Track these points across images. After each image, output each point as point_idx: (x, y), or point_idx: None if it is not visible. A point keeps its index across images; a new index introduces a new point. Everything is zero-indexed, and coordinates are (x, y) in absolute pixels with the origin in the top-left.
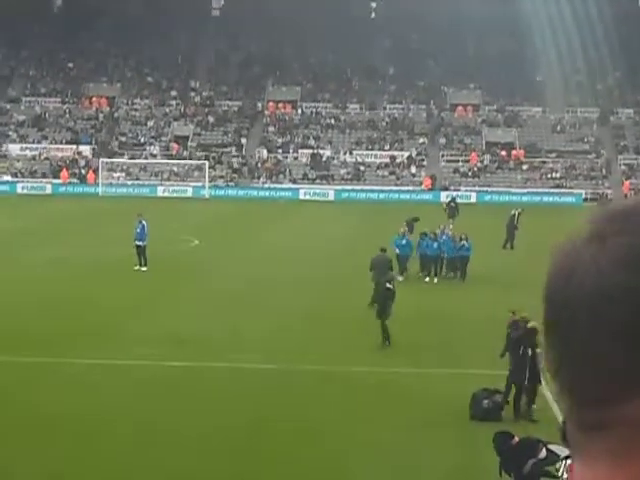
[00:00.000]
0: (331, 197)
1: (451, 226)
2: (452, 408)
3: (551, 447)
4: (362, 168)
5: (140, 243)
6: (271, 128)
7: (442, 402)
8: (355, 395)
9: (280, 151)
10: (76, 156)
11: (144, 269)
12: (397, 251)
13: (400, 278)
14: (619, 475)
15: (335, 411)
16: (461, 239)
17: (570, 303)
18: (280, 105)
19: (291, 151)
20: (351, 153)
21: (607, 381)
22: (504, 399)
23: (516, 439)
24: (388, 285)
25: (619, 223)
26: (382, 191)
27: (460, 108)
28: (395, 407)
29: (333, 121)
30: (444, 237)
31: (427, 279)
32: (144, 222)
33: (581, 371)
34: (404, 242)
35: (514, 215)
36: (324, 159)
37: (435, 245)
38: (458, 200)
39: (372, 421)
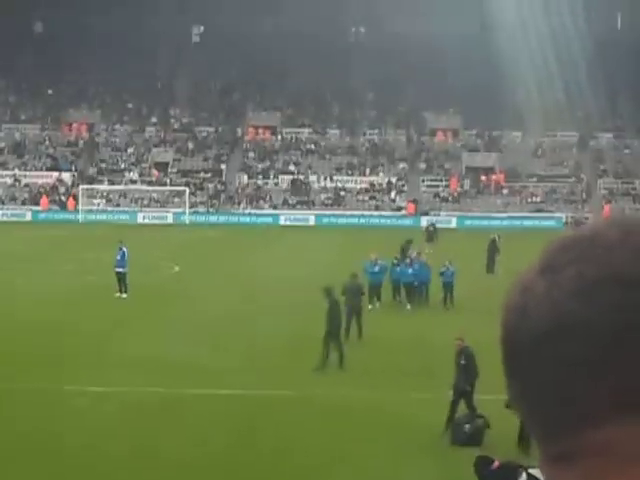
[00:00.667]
0: (312, 222)
1: (427, 251)
2: (433, 433)
3: (532, 471)
4: (342, 193)
5: (120, 270)
6: (251, 154)
7: (423, 427)
8: (336, 420)
9: (260, 177)
10: (57, 183)
11: (124, 296)
12: (368, 278)
13: (369, 307)
14: None
15: (316, 437)
16: (445, 265)
17: (525, 338)
18: (260, 131)
19: (271, 177)
20: (331, 178)
21: (569, 412)
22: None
23: (497, 463)
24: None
25: (570, 252)
26: (362, 216)
27: (440, 133)
28: (376, 432)
29: (313, 146)
30: (416, 264)
31: (409, 306)
32: (124, 249)
33: (543, 404)
34: (376, 269)
35: (494, 240)
36: (304, 185)
37: (410, 271)
38: (438, 225)
39: (353, 447)
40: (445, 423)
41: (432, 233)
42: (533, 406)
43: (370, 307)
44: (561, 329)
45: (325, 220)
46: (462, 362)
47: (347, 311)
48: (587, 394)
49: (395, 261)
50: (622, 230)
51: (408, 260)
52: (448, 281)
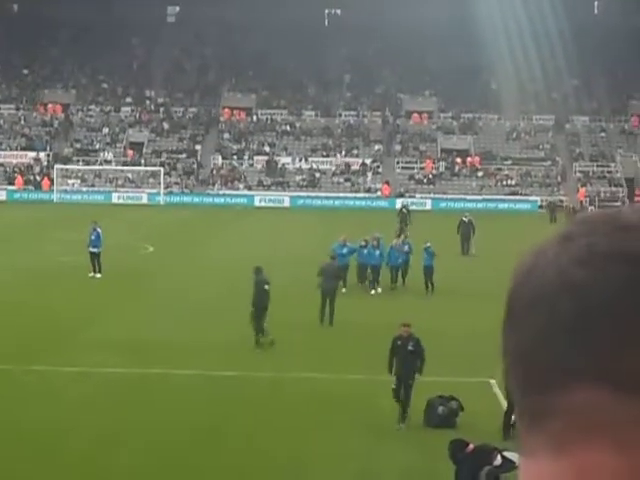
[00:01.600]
0: (287, 204)
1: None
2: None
3: (506, 454)
4: (317, 175)
5: (94, 250)
6: (226, 135)
7: (396, 409)
8: (309, 403)
9: (235, 158)
10: (32, 162)
11: (98, 276)
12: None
13: (344, 290)
14: (561, 464)
15: (289, 419)
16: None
17: (526, 294)
18: (235, 112)
19: (246, 158)
20: (306, 160)
21: (553, 368)
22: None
23: (471, 446)
24: (266, 287)
25: (588, 225)
26: (337, 198)
27: (415, 115)
28: (349, 415)
29: (288, 128)
30: (406, 247)
31: (373, 292)
32: (98, 229)
33: (531, 359)
34: (344, 251)
35: (467, 221)
36: (279, 166)
37: (377, 253)
38: (412, 207)
39: (327, 429)
40: (399, 414)
41: (406, 216)
42: (521, 361)
43: (343, 290)
44: (561, 289)
45: (300, 202)
46: (410, 348)
47: (321, 294)
48: (567, 355)
49: (363, 243)
50: None
51: (375, 242)
52: (428, 264)
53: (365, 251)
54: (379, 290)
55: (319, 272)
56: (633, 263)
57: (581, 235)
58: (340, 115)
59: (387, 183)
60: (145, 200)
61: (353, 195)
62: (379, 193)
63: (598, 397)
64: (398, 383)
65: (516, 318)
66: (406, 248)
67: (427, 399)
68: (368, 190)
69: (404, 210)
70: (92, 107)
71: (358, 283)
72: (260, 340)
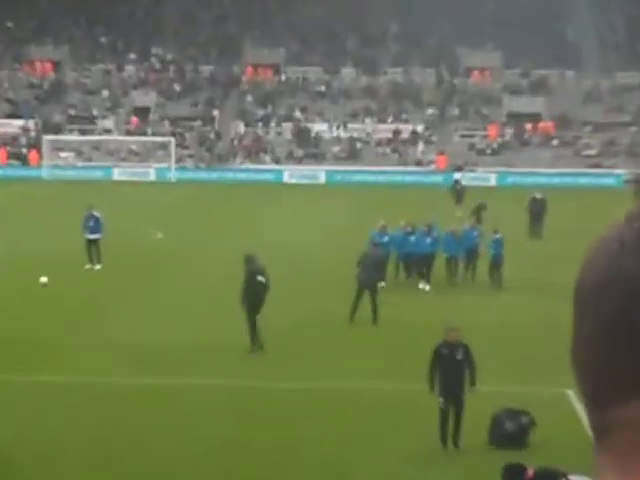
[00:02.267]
0: (322, 180)
1: (458, 214)
2: (468, 431)
3: (573, 478)
4: (359, 145)
5: (93, 237)
6: (249, 98)
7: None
8: (352, 415)
9: (260, 125)
10: (18, 132)
11: (98, 267)
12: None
13: (382, 284)
14: None
15: (317, 436)
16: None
17: (582, 291)
18: (260, 70)
19: (274, 125)
20: (345, 127)
21: (609, 379)
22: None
23: (530, 472)
24: (260, 278)
25: None
26: (383, 172)
27: (476, 72)
28: (401, 429)
29: (323, 88)
30: (475, 233)
31: (421, 286)
32: (96, 214)
33: (587, 369)
34: (385, 239)
35: (538, 199)
36: (313, 134)
37: (428, 241)
38: (474, 182)
39: (365, 448)
40: (439, 436)
41: (460, 192)
42: (577, 370)
43: (383, 284)
44: (608, 283)
45: (338, 177)
46: (459, 357)
47: (358, 286)
48: (621, 365)
49: (409, 229)
50: None
51: (426, 227)
52: (496, 252)
53: (413, 238)
54: (427, 287)
55: (358, 261)
56: None
57: (633, 216)
58: (385, 73)
59: (442, 154)
60: (153, 177)
61: (402, 169)
62: (433, 166)
63: None
64: (446, 402)
65: (575, 320)
66: (475, 234)
67: (492, 413)
68: (419, 163)
69: (457, 186)
70: (88, 65)
71: (406, 277)
72: (256, 343)
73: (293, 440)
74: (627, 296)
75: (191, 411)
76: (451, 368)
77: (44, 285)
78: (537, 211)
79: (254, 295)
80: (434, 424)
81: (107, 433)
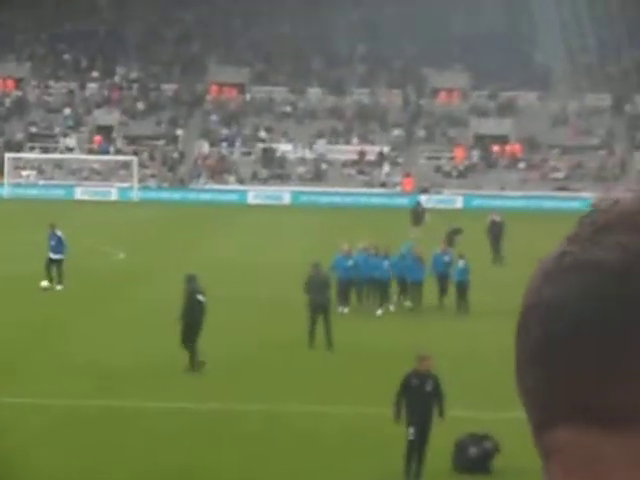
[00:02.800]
0: (286, 201)
1: (412, 236)
2: (431, 456)
3: None
4: (324, 166)
5: (57, 257)
6: (214, 117)
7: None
8: (313, 440)
9: (225, 145)
10: None
11: (59, 287)
12: (338, 274)
13: (340, 309)
14: None
15: (287, 460)
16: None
17: (520, 319)
18: (225, 89)
19: (238, 145)
20: (311, 148)
21: (538, 406)
22: None
23: None
24: (200, 298)
25: (576, 228)
26: (349, 194)
27: (443, 94)
28: (365, 454)
29: (289, 109)
30: (446, 258)
31: (379, 312)
32: (58, 233)
33: (521, 396)
34: (350, 262)
35: (497, 222)
36: (278, 155)
37: (385, 265)
38: (441, 205)
39: (337, 470)
40: (404, 469)
41: (420, 214)
42: (519, 397)
43: (340, 310)
44: (532, 312)
45: (303, 198)
46: (428, 389)
47: (310, 311)
48: (544, 391)
49: (372, 252)
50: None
51: (373, 249)
52: (461, 279)
53: (372, 262)
54: (379, 312)
55: (305, 287)
56: (591, 272)
57: (564, 242)
58: (352, 93)
59: (409, 176)
60: (115, 196)
61: (367, 190)
62: (399, 188)
63: (585, 435)
64: (416, 434)
65: (515, 347)
66: (446, 259)
67: (456, 439)
68: (385, 184)
69: (418, 208)
70: (51, 83)
71: (360, 302)
72: (195, 363)
73: (252, 463)
74: (543, 323)
75: (151, 434)
76: (420, 399)
77: (45, 289)
78: (495, 233)
79: (192, 314)
80: (395, 449)
81: (67, 456)
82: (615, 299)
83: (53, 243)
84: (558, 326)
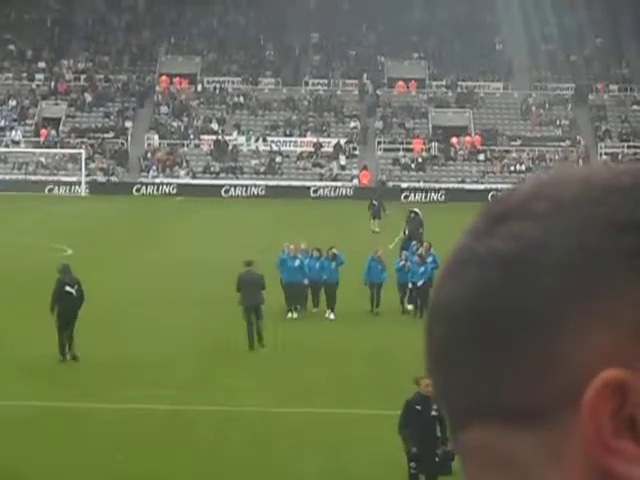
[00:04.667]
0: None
1: (375, 229)
2: (393, 457)
3: None
4: (278, 159)
5: None
6: (164, 108)
7: (381, 450)
8: (269, 441)
9: (175, 137)
10: None
11: None
12: (285, 277)
13: (289, 315)
14: None
15: (247, 462)
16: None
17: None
18: (176, 80)
19: (190, 137)
20: (265, 140)
21: (447, 406)
22: None
23: None
24: (68, 289)
25: (476, 217)
26: (303, 187)
27: (401, 84)
28: (322, 455)
29: (242, 99)
30: (430, 259)
31: (331, 315)
32: None
33: (436, 394)
34: (296, 263)
35: (414, 215)
36: (230, 147)
37: (332, 266)
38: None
39: (290, 475)
40: None
41: (378, 207)
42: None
43: (290, 316)
44: (431, 308)
45: (256, 191)
46: (433, 413)
47: (244, 311)
48: (453, 392)
49: (315, 254)
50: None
51: (330, 253)
52: (429, 277)
53: (317, 264)
54: (332, 315)
55: (237, 286)
56: (485, 264)
57: (462, 235)
58: (306, 84)
59: (366, 169)
60: (62, 191)
61: (323, 184)
62: (355, 181)
63: (497, 434)
64: (419, 464)
65: (424, 348)
66: (430, 260)
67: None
68: (335, 178)
69: (374, 201)
70: None
71: (311, 307)
72: (67, 354)
73: (207, 465)
74: (443, 322)
75: (98, 436)
76: (424, 426)
77: None
78: (417, 229)
79: (61, 305)
80: (349, 450)
81: (7, 457)
82: (504, 291)
83: None
84: (455, 324)
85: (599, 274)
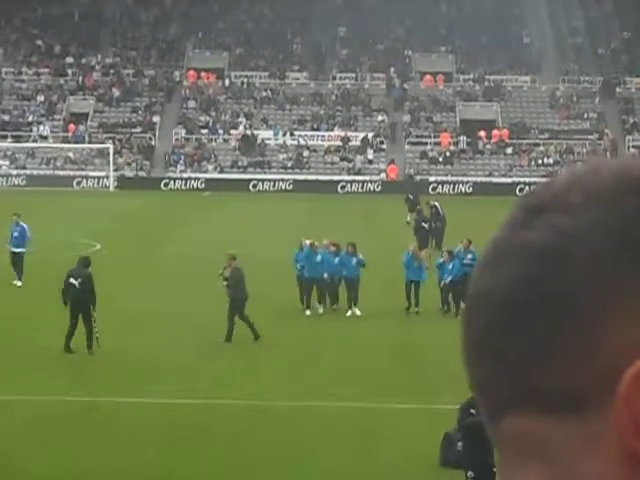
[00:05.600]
0: (266, 188)
1: (410, 220)
2: (420, 451)
3: None
4: (306, 153)
5: (18, 250)
6: (191, 103)
7: (408, 443)
8: (301, 432)
9: (203, 132)
10: None
11: (19, 284)
12: (298, 269)
13: (320, 310)
14: None
15: (276, 452)
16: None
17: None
18: (203, 75)
19: (217, 132)
20: (292, 134)
21: (484, 398)
22: None
23: None
24: (72, 280)
25: (514, 208)
26: (331, 181)
27: (428, 77)
28: (350, 448)
29: (270, 94)
30: (470, 256)
31: (350, 312)
32: (23, 224)
33: (471, 386)
34: (318, 258)
35: (435, 207)
36: (258, 142)
37: (337, 261)
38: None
39: (321, 465)
40: None
41: (414, 201)
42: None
43: (308, 313)
44: (471, 299)
45: (283, 186)
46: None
47: (238, 306)
48: (491, 381)
49: (333, 249)
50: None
51: (334, 246)
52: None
53: (337, 259)
54: (357, 312)
55: (228, 282)
56: (522, 256)
57: (500, 227)
58: (334, 78)
59: (393, 163)
60: (91, 185)
61: (351, 178)
62: (383, 175)
63: (536, 423)
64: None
65: (461, 339)
66: (470, 257)
67: (445, 432)
68: (361, 172)
69: (410, 196)
70: (24, 69)
71: (331, 305)
72: (70, 346)
73: (235, 459)
74: (483, 312)
75: (128, 431)
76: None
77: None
78: (439, 224)
79: (66, 297)
80: (392, 442)
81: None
82: (545, 281)
83: (16, 234)
84: (495, 313)
85: (635, 265)
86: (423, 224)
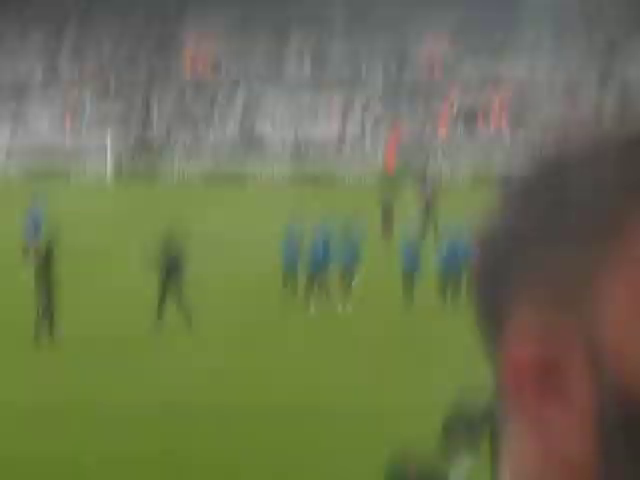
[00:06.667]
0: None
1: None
2: (417, 436)
3: None
4: (305, 143)
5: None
6: (189, 94)
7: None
8: (300, 432)
9: (200, 123)
10: None
11: None
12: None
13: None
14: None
15: (276, 452)
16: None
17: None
18: (200, 63)
19: (214, 122)
20: (292, 124)
21: (487, 310)
22: None
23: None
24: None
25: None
26: (330, 171)
27: (426, 64)
28: (350, 447)
29: (269, 84)
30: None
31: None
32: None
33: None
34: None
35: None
36: (257, 132)
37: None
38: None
39: (322, 464)
40: None
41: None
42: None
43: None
44: (479, 236)
45: (283, 176)
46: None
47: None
48: (499, 282)
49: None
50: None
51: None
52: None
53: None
54: (348, 307)
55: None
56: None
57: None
58: (332, 65)
59: (393, 151)
60: (89, 177)
61: (350, 167)
62: (382, 164)
63: (539, 313)
64: None
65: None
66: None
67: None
68: (368, 161)
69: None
70: (18, 62)
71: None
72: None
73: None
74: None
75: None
76: None
77: None
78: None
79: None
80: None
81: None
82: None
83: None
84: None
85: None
86: None
